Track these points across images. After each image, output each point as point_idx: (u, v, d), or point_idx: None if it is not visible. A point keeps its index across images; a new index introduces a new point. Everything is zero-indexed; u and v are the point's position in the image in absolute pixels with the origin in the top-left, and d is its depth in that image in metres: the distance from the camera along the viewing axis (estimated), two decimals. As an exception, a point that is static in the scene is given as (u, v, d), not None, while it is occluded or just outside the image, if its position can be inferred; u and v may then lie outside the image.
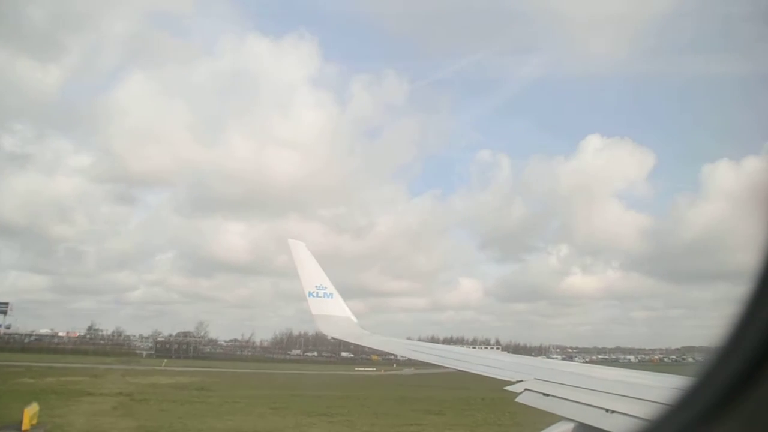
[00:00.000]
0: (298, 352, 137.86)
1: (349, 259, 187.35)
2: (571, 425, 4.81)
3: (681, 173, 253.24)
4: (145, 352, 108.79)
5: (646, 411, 4.15)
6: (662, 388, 4.78)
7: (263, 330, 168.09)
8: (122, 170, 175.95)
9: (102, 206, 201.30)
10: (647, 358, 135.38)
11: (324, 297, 12.64)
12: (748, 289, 1.76)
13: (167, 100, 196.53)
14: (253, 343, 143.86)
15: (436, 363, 8.95)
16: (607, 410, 4.65)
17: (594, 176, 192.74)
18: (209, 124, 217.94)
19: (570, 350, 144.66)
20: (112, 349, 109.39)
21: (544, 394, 5.60)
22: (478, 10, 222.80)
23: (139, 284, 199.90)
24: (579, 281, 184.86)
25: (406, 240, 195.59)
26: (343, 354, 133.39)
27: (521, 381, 6.19)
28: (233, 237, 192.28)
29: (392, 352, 14.67)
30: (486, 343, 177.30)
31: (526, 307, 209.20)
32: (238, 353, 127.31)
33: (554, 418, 5.04)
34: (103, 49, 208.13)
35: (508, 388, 6.20)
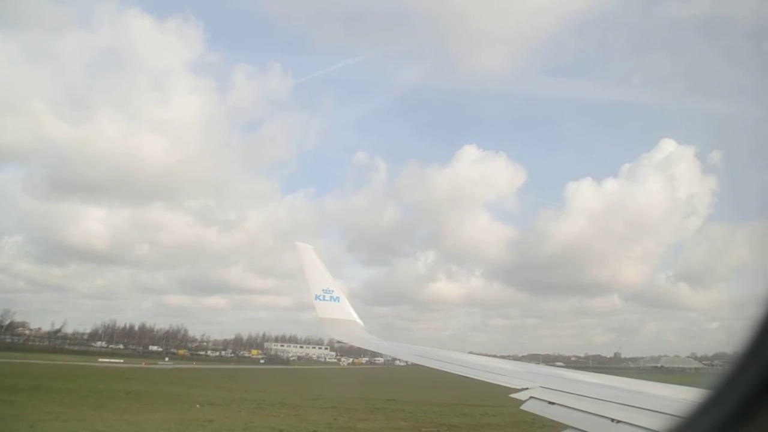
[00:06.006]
0: (102, 343, 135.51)
1: (215, 253, 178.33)
2: None
3: (548, 190, 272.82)
4: None
5: (652, 421, 4.13)
6: (670, 399, 4.75)
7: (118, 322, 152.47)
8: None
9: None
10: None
11: (331, 300, 12.64)
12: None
13: (30, 69, 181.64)
14: (64, 333, 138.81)
15: (439, 369, 8.72)
16: (612, 420, 4.56)
17: (466, 186, 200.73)
18: (76, 100, 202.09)
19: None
20: None
21: (550, 402, 5.53)
22: (367, 12, 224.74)
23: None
24: (443, 287, 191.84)
25: (275, 237, 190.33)
26: (152, 347, 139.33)
27: (526, 389, 6.10)
28: (91, 223, 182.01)
29: (397, 357, 15.02)
30: (319, 344, 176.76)
31: (389, 310, 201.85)
32: (37, 344, 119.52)
33: (561, 426, 4.96)
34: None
35: (513, 395, 6.13)
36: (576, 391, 5.68)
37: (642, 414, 4.48)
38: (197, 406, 32.70)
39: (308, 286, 12.71)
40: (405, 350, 11.66)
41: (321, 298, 12.59)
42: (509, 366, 8.53)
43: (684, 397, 4.37)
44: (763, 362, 1.63)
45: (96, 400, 32.62)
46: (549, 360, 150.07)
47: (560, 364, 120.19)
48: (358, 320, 12.86)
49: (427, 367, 9.25)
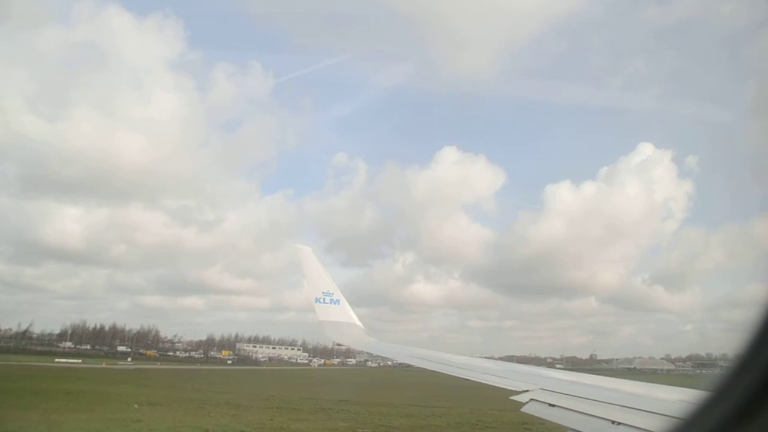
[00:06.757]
0: (69, 344, 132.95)
1: (192, 253, 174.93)
2: None
3: (527, 192, 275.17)
4: None
5: (652, 423, 4.18)
6: (670, 401, 4.81)
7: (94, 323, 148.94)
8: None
9: None
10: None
11: (330, 303, 12.39)
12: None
13: (5, 64, 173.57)
14: (30, 333, 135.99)
15: (439, 371, 8.67)
16: (613, 422, 4.62)
17: (446, 188, 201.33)
18: (52, 97, 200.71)
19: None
20: None
21: (550, 405, 5.56)
22: (348, 13, 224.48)
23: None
24: (422, 289, 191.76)
25: (254, 238, 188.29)
26: (120, 348, 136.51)
27: (527, 391, 6.13)
28: (67, 222, 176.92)
29: (396, 359, 13.97)
30: (292, 344, 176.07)
31: (367, 311, 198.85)
32: (2, 345, 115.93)
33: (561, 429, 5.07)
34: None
35: (513, 398, 6.14)
36: (576, 393, 5.74)
37: (642, 416, 4.54)
38: (135, 405, 31.90)
39: (308, 289, 12.51)
40: (406, 353, 11.62)
41: (321, 300, 12.38)
42: (509, 368, 8.55)
43: (683, 399, 4.39)
44: (763, 363, 1.62)
45: (29, 401, 31.30)
46: (524, 361, 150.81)
47: (560, 366, 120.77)
48: (359, 323, 12.64)
49: (418, 368, 9.28)
